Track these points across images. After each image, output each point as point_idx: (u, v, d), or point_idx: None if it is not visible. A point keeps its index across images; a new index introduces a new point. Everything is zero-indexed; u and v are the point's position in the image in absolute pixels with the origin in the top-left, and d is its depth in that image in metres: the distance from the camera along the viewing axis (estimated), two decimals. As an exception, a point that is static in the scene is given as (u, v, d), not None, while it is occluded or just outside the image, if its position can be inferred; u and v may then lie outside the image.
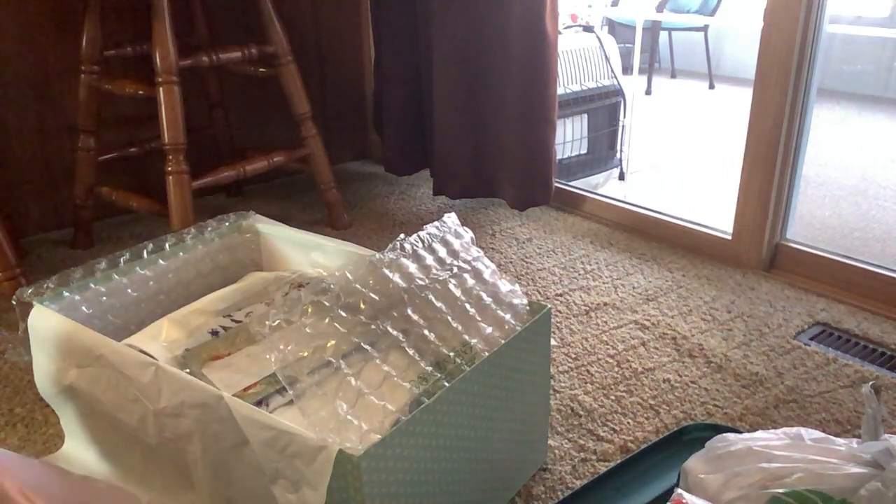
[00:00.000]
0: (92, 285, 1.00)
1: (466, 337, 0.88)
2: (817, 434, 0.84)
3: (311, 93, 1.81)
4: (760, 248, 1.61)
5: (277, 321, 0.83)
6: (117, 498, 0.70)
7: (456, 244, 0.97)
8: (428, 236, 0.96)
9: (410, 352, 0.85)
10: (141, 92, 1.58)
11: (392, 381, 0.81)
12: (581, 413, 1.17)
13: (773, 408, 1.18)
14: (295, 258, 1.18)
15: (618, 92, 2.53)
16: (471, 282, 0.93)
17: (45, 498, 0.62)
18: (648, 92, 4.42)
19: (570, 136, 2.40)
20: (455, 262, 0.94)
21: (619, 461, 1.03)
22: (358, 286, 0.87)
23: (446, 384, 0.81)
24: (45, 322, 0.94)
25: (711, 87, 4.53)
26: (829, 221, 2.37)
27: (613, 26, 4.49)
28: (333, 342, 0.82)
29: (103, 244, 1.81)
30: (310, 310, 0.84)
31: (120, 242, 1.81)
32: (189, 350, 0.93)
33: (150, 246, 1.09)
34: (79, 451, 1.04)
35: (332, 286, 0.86)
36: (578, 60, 2.42)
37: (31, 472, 0.65)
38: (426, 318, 0.87)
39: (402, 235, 0.94)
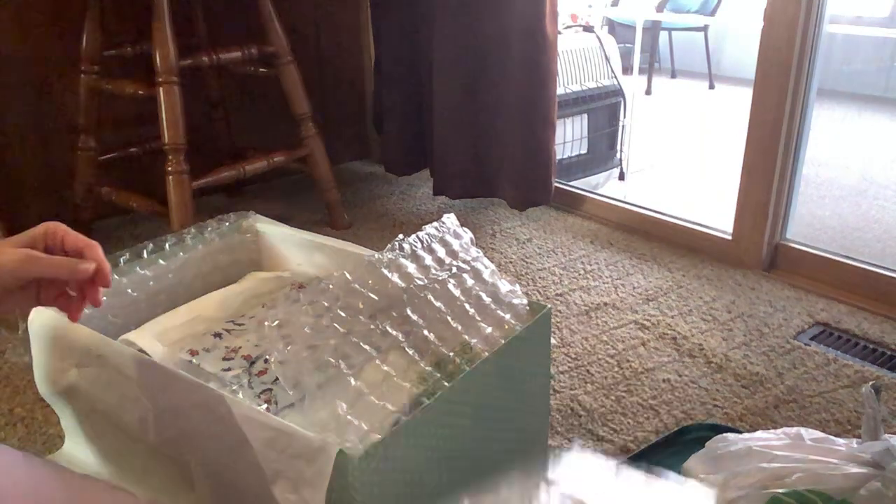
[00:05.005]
0: (92, 285, 1.00)
1: (466, 337, 0.88)
2: (817, 434, 0.84)
3: (311, 93, 1.81)
4: (760, 248, 1.61)
5: (277, 321, 0.83)
6: (116, 498, 0.70)
7: (455, 244, 0.97)
8: (427, 237, 0.96)
9: (410, 352, 0.84)
10: (141, 92, 1.58)
11: (392, 381, 0.81)
12: (581, 413, 1.17)
13: (773, 408, 1.18)
14: (295, 258, 1.18)
15: (618, 92, 2.53)
16: (470, 282, 0.93)
17: (44, 498, 0.62)
18: (648, 92, 4.41)
19: (570, 136, 2.39)
20: (454, 263, 0.94)
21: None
22: (357, 286, 0.87)
23: (446, 384, 0.81)
24: (45, 322, 0.94)
25: (711, 87, 4.52)
26: (829, 221, 2.37)
27: (613, 26, 4.48)
28: (333, 342, 0.82)
29: (103, 244, 1.80)
30: (309, 310, 0.84)
31: (120, 242, 1.81)
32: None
33: (150, 246, 1.09)
34: (79, 451, 1.04)
35: (330, 286, 0.86)
36: (578, 60, 2.41)
37: (31, 471, 0.65)
38: (426, 318, 0.87)
39: (400, 236, 0.94)
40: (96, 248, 0.76)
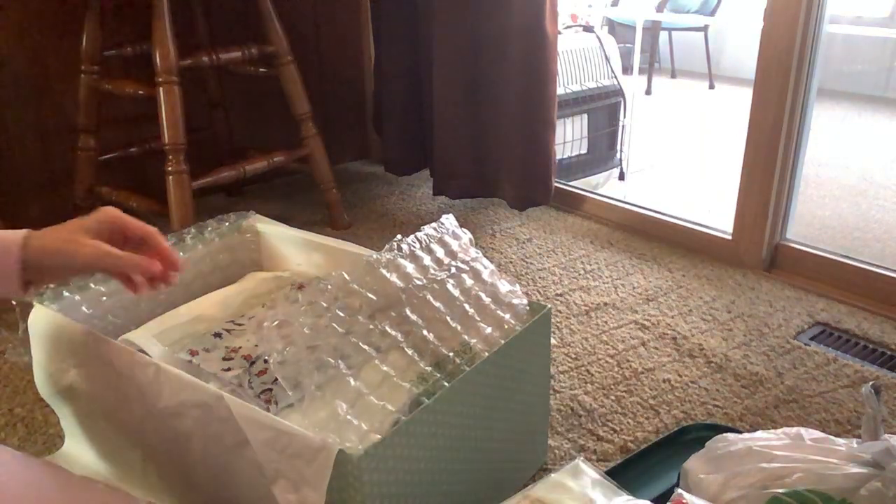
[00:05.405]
0: (92, 285, 1.00)
1: (466, 337, 0.88)
2: (817, 434, 0.84)
3: (311, 93, 1.81)
4: (760, 248, 1.61)
5: (276, 321, 0.83)
6: (115, 499, 0.70)
7: (454, 245, 0.97)
8: (425, 237, 0.96)
9: (409, 352, 0.84)
10: (141, 92, 1.58)
11: (391, 381, 0.81)
12: (581, 413, 1.17)
13: (773, 408, 1.18)
14: (295, 258, 1.18)
15: (618, 92, 2.53)
16: (469, 282, 0.93)
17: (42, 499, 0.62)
18: (648, 92, 4.41)
19: (570, 136, 2.39)
20: (453, 263, 0.94)
21: (619, 461, 1.03)
22: (355, 286, 0.87)
23: (446, 384, 0.81)
24: (45, 322, 0.94)
25: (711, 87, 4.52)
26: (829, 221, 2.37)
27: (613, 26, 4.48)
28: (332, 342, 0.82)
29: (103, 244, 1.80)
30: (309, 310, 0.84)
31: (120, 242, 1.81)
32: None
33: (150, 246, 1.09)
34: (79, 451, 1.04)
35: (329, 286, 0.86)
36: (578, 60, 2.41)
37: (30, 471, 0.65)
38: (424, 318, 0.87)
39: (398, 236, 0.94)
40: (157, 236, 0.78)
